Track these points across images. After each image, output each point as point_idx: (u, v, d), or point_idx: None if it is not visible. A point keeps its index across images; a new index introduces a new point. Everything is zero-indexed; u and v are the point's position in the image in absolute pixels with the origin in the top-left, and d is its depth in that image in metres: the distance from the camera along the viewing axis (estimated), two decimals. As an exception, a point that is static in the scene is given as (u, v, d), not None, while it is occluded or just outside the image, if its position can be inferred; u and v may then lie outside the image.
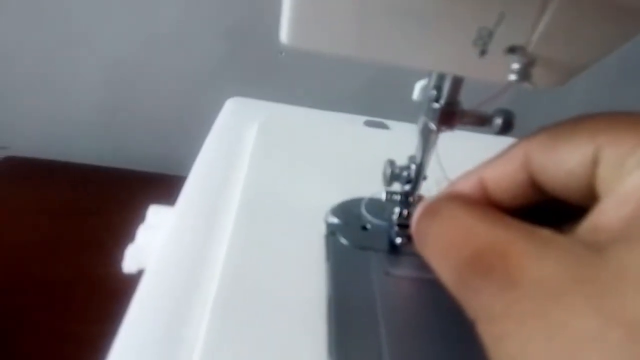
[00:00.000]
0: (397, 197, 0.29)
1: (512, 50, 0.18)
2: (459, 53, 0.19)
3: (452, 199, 0.17)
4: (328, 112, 0.46)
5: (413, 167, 0.28)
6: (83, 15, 0.70)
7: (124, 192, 0.67)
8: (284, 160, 0.34)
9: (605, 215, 0.13)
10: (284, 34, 0.19)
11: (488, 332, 0.13)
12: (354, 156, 0.37)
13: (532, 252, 0.13)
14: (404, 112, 0.40)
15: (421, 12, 0.18)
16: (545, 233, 0.13)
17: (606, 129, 0.14)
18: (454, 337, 0.22)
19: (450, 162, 0.26)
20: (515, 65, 0.17)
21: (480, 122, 0.24)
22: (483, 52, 0.18)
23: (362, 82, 0.75)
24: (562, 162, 0.15)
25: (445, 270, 0.15)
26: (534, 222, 0.17)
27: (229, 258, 0.24)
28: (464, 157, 0.22)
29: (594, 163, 0.14)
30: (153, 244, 0.26)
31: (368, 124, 0.45)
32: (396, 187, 0.29)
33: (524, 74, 0.18)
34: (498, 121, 0.23)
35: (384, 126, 0.45)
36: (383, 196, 0.29)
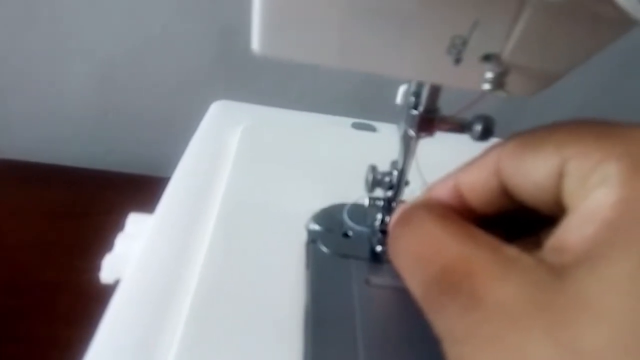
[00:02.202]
0: (380, 203, 0.29)
1: (487, 58, 0.18)
2: (434, 61, 0.18)
3: (426, 207, 0.17)
4: (315, 115, 0.46)
5: (395, 173, 0.28)
6: (74, 19, 0.69)
7: (115, 194, 0.67)
8: (268, 166, 0.34)
9: (569, 233, 0.13)
10: (255, 42, 0.18)
11: (450, 353, 0.13)
12: (339, 160, 0.37)
13: (496, 273, 0.13)
14: (393, 113, 0.40)
15: (396, 20, 0.18)
16: (511, 252, 0.13)
17: (572, 141, 0.14)
18: (433, 349, 0.22)
19: (434, 166, 0.25)
20: (489, 75, 0.17)
21: (460, 128, 0.23)
22: (458, 60, 0.18)
23: (352, 83, 0.74)
24: (529, 173, 0.15)
25: (413, 283, 0.15)
26: (510, 228, 0.17)
27: (206, 267, 0.24)
28: (449, 160, 0.22)
29: (560, 176, 0.14)
30: (131, 253, 0.26)
31: (355, 126, 0.44)
32: (380, 192, 0.29)
33: (498, 83, 0.17)
34: (478, 127, 0.23)
35: (371, 128, 0.45)
36: (366, 202, 0.29)
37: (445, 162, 0.22)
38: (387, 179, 0.28)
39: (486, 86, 0.17)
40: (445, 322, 0.13)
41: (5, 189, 0.68)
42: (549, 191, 0.14)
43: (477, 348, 0.12)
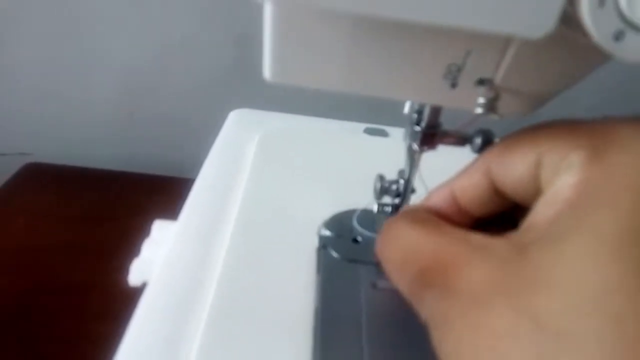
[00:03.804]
0: (388, 210, 0.30)
1: (481, 82, 0.19)
2: (432, 86, 0.20)
3: (403, 217, 0.19)
4: (330, 121, 0.48)
5: (402, 181, 0.29)
6: (100, 30, 0.73)
7: (141, 196, 0.69)
8: (283, 173, 0.36)
9: (536, 215, 0.14)
10: (267, 71, 0.20)
11: (433, 337, 0.15)
12: (352, 166, 0.38)
13: (464, 261, 0.14)
14: (403, 118, 0.41)
15: (397, 49, 0.19)
16: (478, 240, 0.15)
17: (546, 137, 0.15)
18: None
19: (439, 174, 0.27)
20: (481, 100, 0.19)
21: (461, 142, 0.25)
22: (454, 85, 0.19)
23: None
24: (513, 168, 0.16)
25: (400, 285, 0.17)
26: (504, 228, 0.19)
27: (224, 272, 0.26)
28: (452, 169, 0.23)
29: (537, 168, 0.15)
30: (156, 258, 0.28)
31: (368, 131, 0.46)
32: (389, 199, 0.30)
33: (490, 107, 0.19)
34: (478, 140, 0.24)
35: (384, 134, 0.46)
36: (375, 209, 0.30)
37: (449, 170, 0.24)
38: (394, 187, 0.29)
39: (479, 110, 0.19)
40: (426, 311, 0.15)
41: (37, 192, 0.72)
42: (529, 183, 0.16)
43: (450, 329, 0.14)
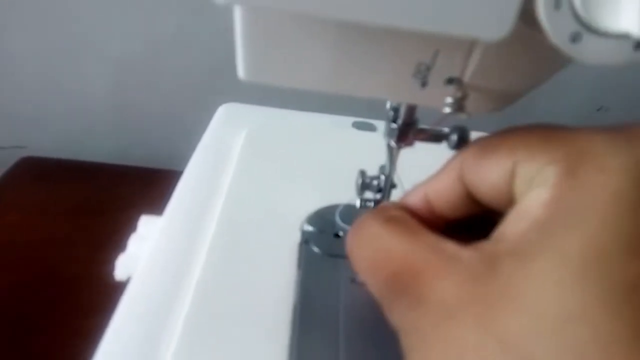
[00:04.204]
0: (371, 204, 0.31)
1: (450, 81, 0.20)
2: (403, 84, 0.20)
3: (374, 215, 0.18)
4: (319, 115, 0.48)
5: (382, 177, 0.29)
6: (91, 21, 0.73)
7: (132, 189, 0.70)
8: (269, 168, 0.36)
9: (507, 226, 0.14)
10: (240, 70, 0.20)
11: (403, 344, 0.15)
12: (338, 161, 0.38)
13: (437, 271, 0.14)
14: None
15: (367, 49, 0.19)
16: (451, 249, 0.15)
17: (522, 145, 0.15)
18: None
19: (419, 169, 0.27)
20: (449, 99, 0.19)
21: (437, 138, 0.25)
22: (424, 84, 0.20)
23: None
24: (487, 176, 0.16)
25: (370, 286, 0.17)
26: (478, 232, 0.19)
27: (206, 267, 0.26)
28: (431, 166, 0.23)
29: (512, 177, 0.15)
30: (142, 253, 0.29)
31: (356, 125, 0.46)
32: (371, 194, 0.31)
33: (458, 106, 0.19)
34: (453, 137, 0.25)
35: (372, 128, 0.46)
36: (357, 204, 0.31)
37: (431, 166, 0.24)
38: (375, 182, 0.30)
39: (447, 109, 0.19)
40: (397, 318, 0.15)
41: (30, 185, 0.72)
42: (503, 192, 0.15)
43: (421, 339, 0.14)
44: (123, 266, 0.28)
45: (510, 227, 0.14)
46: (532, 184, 0.14)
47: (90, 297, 0.51)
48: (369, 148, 0.41)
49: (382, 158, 0.30)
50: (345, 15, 0.15)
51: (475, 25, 0.15)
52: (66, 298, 0.52)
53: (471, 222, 0.19)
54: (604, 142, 0.14)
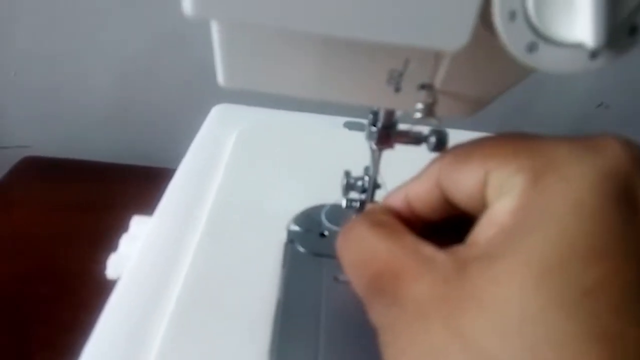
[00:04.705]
0: (357, 205, 0.31)
1: (422, 87, 0.20)
2: (378, 90, 0.21)
3: (362, 219, 0.19)
4: (312, 115, 0.48)
5: (367, 178, 0.30)
6: (93, 23, 0.74)
7: (133, 188, 0.71)
8: (259, 168, 0.37)
9: (478, 233, 0.15)
10: (219, 77, 0.21)
11: (380, 340, 0.16)
12: (327, 161, 0.39)
13: (414, 273, 0.15)
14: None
15: (343, 58, 0.20)
16: (429, 252, 0.15)
17: (494, 154, 0.16)
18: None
19: (403, 171, 0.28)
20: (420, 105, 0.19)
21: (417, 141, 0.26)
22: (397, 89, 0.20)
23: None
24: (461, 184, 0.17)
25: (355, 286, 0.18)
26: (461, 231, 0.19)
27: (193, 266, 0.27)
28: (412, 168, 0.24)
29: (484, 185, 0.16)
30: (132, 253, 0.29)
31: (348, 125, 0.47)
32: (356, 194, 0.31)
33: (428, 112, 0.19)
34: (432, 140, 0.25)
35: (363, 128, 0.47)
36: (343, 204, 0.31)
37: (411, 168, 0.24)
38: (359, 183, 0.30)
39: (417, 115, 0.20)
40: (376, 315, 0.16)
41: (33, 184, 0.74)
42: (477, 199, 0.16)
43: (396, 335, 0.15)
44: (114, 265, 0.29)
45: (481, 233, 0.15)
46: (502, 192, 0.15)
47: (85, 293, 0.52)
48: (358, 149, 0.41)
49: (369, 159, 0.31)
50: (316, 29, 0.15)
51: (436, 36, 0.15)
52: (63, 292, 0.53)
53: (455, 221, 0.19)
54: (569, 152, 0.14)
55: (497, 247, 0.14)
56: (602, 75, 0.84)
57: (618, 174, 0.13)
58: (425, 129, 0.26)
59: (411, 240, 0.16)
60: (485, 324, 0.12)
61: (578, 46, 0.15)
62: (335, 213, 0.32)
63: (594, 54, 0.15)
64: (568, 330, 0.11)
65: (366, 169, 0.31)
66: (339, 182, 0.33)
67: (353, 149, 0.42)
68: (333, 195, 0.34)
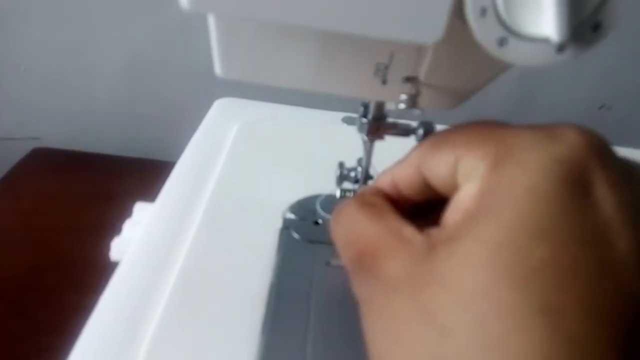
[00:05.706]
0: (350, 195, 0.33)
1: (408, 79, 0.21)
2: (366, 83, 0.22)
3: (354, 199, 0.20)
4: (310, 110, 0.50)
5: (359, 169, 0.31)
6: (99, 15, 0.75)
7: (138, 179, 0.73)
8: (258, 160, 0.38)
9: (447, 217, 0.16)
10: (217, 68, 0.22)
11: (360, 311, 0.17)
12: (324, 154, 0.40)
13: (392, 252, 0.16)
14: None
15: (333, 51, 0.21)
16: (409, 233, 0.17)
17: (463, 142, 0.17)
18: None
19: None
20: (403, 97, 0.21)
21: (406, 132, 0.27)
22: (384, 82, 0.22)
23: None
24: (437, 170, 0.18)
25: (344, 262, 0.19)
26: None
27: (191, 251, 0.28)
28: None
29: (455, 171, 0.17)
30: (135, 237, 0.31)
31: (346, 120, 0.48)
32: (350, 185, 0.33)
33: (412, 103, 0.21)
34: (420, 131, 0.26)
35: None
36: (338, 194, 0.33)
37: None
38: (352, 174, 0.31)
39: (402, 106, 0.21)
40: (358, 290, 0.17)
41: (42, 174, 0.76)
42: (451, 184, 0.17)
43: (371, 309, 0.16)
44: (117, 248, 0.31)
45: (449, 217, 0.16)
46: (468, 178, 0.16)
47: (91, 278, 0.54)
48: (354, 141, 0.43)
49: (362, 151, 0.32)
50: (306, 22, 0.16)
51: (414, 31, 0.16)
52: (70, 279, 0.55)
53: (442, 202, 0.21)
54: (528, 139, 0.15)
55: (459, 229, 0.15)
56: (604, 77, 0.85)
57: (572, 160, 0.14)
58: (414, 123, 0.27)
59: (394, 222, 0.18)
60: (444, 300, 0.14)
61: (545, 41, 0.16)
62: (330, 203, 0.34)
63: (560, 48, 0.16)
64: (514, 303, 0.13)
65: (359, 160, 0.32)
66: (331, 174, 0.34)
67: (347, 142, 0.43)
68: (327, 185, 0.35)
